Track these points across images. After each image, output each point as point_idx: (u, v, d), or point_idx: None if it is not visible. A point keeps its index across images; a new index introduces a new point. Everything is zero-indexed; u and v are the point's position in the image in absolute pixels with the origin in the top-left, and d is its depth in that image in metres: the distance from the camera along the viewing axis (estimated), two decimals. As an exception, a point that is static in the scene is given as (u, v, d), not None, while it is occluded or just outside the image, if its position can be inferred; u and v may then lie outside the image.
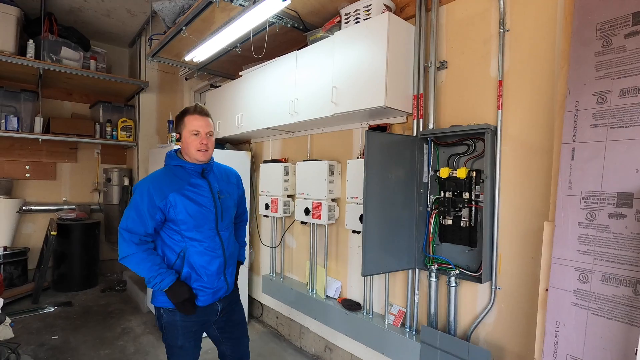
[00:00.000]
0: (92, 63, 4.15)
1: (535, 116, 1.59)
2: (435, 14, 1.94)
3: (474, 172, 1.76)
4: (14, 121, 3.90)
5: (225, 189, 1.71)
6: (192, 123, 1.58)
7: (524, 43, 1.64)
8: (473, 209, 1.78)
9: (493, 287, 1.70)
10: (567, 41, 1.41)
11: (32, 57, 3.65)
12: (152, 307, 3.40)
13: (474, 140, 1.79)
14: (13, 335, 2.44)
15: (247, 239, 2.07)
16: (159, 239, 1.60)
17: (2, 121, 3.87)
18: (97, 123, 4.53)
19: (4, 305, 3.55)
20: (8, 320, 2.35)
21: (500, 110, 1.69)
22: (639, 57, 1.19)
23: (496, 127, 1.69)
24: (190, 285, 1.57)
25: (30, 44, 3.65)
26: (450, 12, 1.93)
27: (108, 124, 4.56)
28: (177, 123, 1.64)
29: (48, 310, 3.61)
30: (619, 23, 1.25)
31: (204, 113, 1.62)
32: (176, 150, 1.67)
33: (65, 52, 3.87)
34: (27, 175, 4.44)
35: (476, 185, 1.77)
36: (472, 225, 1.78)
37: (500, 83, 1.69)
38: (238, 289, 1.87)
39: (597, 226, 1.20)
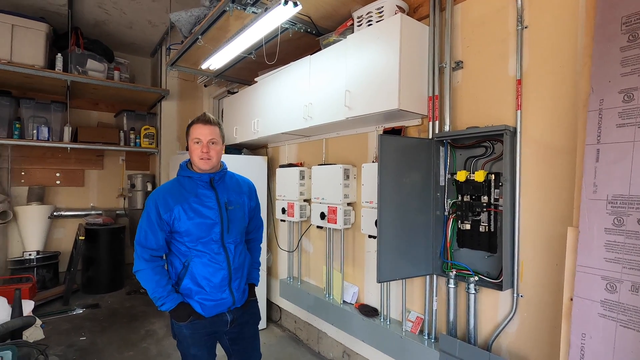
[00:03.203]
0: (116, 74, 4.31)
1: (557, 116, 1.52)
2: (449, 13, 1.89)
3: (493, 175, 1.70)
4: (44, 131, 4.10)
5: (235, 200, 1.68)
6: (195, 131, 1.58)
7: (543, 40, 1.57)
8: (492, 213, 1.72)
9: (515, 295, 1.63)
10: (589, 37, 1.34)
11: (60, 70, 3.83)
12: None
13: (492, 142, 1.73)
14: (43, 337, 2.56)
15: (263, 253, 2.03)
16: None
17: (34, 131, 4.08)
18: (121, 131, 4.70)
19: (37, 306, 3.73)
20: (39, 321, 2.46)
21: (519, 111, 1.62)
22: (669, 51, 1.11)
23: (515, 128, 1.63)
24: (192, 298, 1.58)
25: (59, 57, 3.83)
26: (466, 10, 1.87)
27: (132, 132, 4.72)
28: (186, 133, 1.65)
29: (77, 312, 3.77)
30: (646, 16, 1.18)
31: (208, 121, 1.60)
32: (188, 161, 1.67)
33: (91, 64, 4.04)
34: (58, 182, 4.66)
35: (495, 188, 1.71)
36: (492, 230, 1.72)
37: (519, 82, 1.62)
38: (256, 302, 1.83)
39: (626, 232, 1.12)
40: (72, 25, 3.97)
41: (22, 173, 4.42)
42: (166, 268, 1.61)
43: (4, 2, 3.63)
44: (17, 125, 4.00)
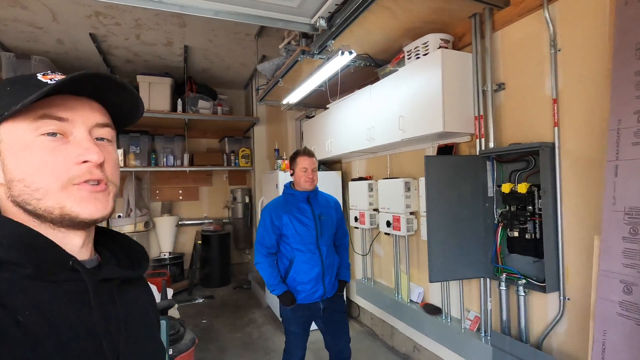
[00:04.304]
0: (219, 109, 5.28)
1: (590, 132, 1.63)
2: (489, 41, 2.08)
3: (536, 187, 1.85)
4: (170, 159, 5.27)
5: (326, 212, 2.21)
6: (302, 162, 2.14)
7: (576, 62, 1.69)
8: (537, 222, 1.86)
9: (561, 298, 1.75)
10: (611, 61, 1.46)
11: (180, 111, 4.92)
12: (270, 303, 4.16)
13: (533, 156, 1.88)
14: (179, 316, 3.42)
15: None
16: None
17: (164, 159, 5.27)
18: (224, 154, 5.69)
19: (172, 295, 4.82)
20: (176, 305, 3.31)
21: (556, 127, 1.76)
22: (676, 75, 1.22)
23: (553, 144, 1.77)
24: (295, 287, 2.11)
25: (179, 102, 4.92)
26: (505, 36, 2.05)
27: (232, 154, 5.67)
28: (291, 162, 2.21)
29: (198, 301, 4.74)
30: (657, 42, 1.29)
31: (310, 154, 2.18)
32: (290, 182, 2.25)
33: (201, 103, 5.06)
34: (180, 197, 5.86)
35: (539, 198, 1.85)
36: (538, 237, 1.86)
37: (555, 101, 1.76)
38: (342, 296, 2.29)
39: None
40: (187, 75, 5.05)
41: (157, 192, 5.70)
42: (277, 264, 2.19)
43: (143, 66, 4.85)
44: (153, 156, 5.23)
